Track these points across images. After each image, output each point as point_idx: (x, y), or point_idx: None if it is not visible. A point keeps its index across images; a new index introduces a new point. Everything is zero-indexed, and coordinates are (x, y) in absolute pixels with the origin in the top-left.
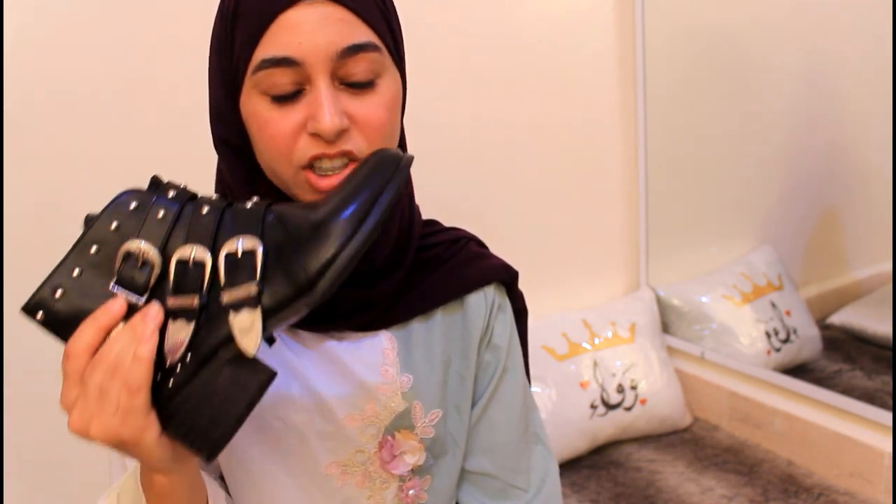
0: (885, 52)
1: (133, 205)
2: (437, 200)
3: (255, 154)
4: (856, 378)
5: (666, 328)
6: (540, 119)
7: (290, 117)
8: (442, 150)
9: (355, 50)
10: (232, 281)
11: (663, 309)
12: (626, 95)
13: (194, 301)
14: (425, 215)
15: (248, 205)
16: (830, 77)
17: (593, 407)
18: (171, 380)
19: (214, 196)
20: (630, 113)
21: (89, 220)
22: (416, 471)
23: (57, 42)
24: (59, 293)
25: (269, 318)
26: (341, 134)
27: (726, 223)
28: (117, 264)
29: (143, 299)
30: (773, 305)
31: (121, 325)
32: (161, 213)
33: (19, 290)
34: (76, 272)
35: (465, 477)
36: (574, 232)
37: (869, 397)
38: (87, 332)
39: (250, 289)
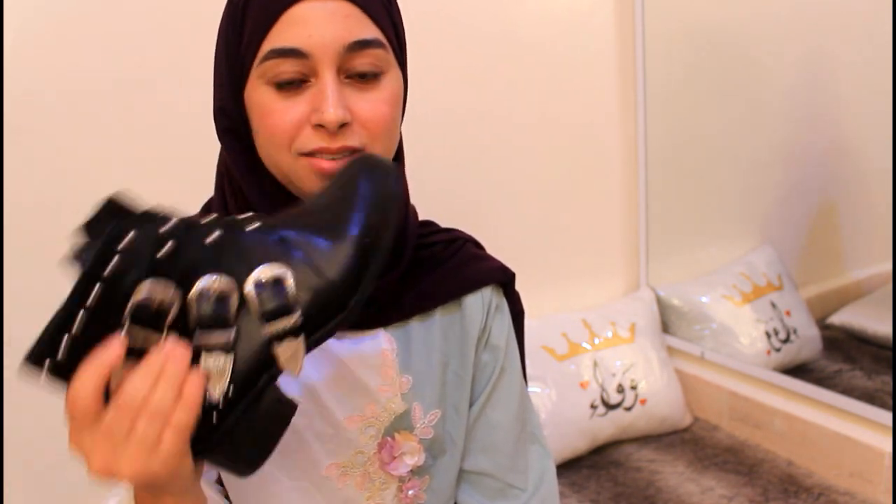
0: (885, 51)
1: (132, 236)
2: (436, 200)
3: (256, 145)
4: (856, 378)
5: (666, 328)
6: (540, 119)
7: (294, 108)
8: (441, 149)
9: (362, 45)
10: (269, 311)
11: (663, 309)
12: (626, 95)
13: (230, 335)
14: (424, 215)
15: (256, 224)
16: (830, 76)
17: (593, 407)
18: (216, 414)
19: (210, 217)
20: (630, 113)
21: (80, 254)
22: (416, 471)
23: (57, 42)
24: (64, 340)
25: (310, 342)
26: (343, 128)
27: (726, 223)
28: (130, 304)
29: (164, 338)
30: (773, 305)
31: (132, 362)
32: (169, 246)
33: (19, 290)
34: (81, 315)
35: (464, 476)
36: (574, 232)
37: (869, 397)
38: (91, 376)
39: (293, 319)
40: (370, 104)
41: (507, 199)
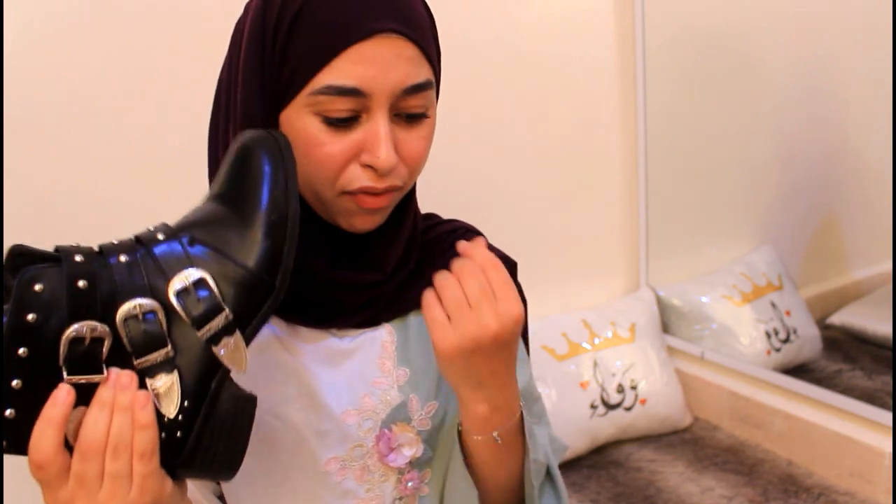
0: (885, 52)
1: (38, 287)
2: (436, 200)
3: None
4: (856, 378)
5: (666, 328)
6: (540, 119)
7: (342, 142)
8: (441, 150)
9: (419, 89)
10: (199, 315)
11: (663, 309)
12: (626, 96)
13: (168, 351)
14: (425, 212)
15: (159, 237)
16: (830, 77)
17: (593, 407)
18: (178, 431)
19: (115, 241)
20: (630, 113)
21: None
22: (415, 463)
23: (57, 42)
24: (9, 413)
25: (248, 333)
26: (392, 169)
27: (726, 223)
28: (62, 354)
29: (106, 374)
30: (773, 305)
31: (82, 408)
32: (82, 283)
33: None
34: (16, 383)
35: None
36: (574, 232)
37: (869, 397)
38: (47, 434)
39: (225, 317)
40: (414, 142)
41: (508, 199)
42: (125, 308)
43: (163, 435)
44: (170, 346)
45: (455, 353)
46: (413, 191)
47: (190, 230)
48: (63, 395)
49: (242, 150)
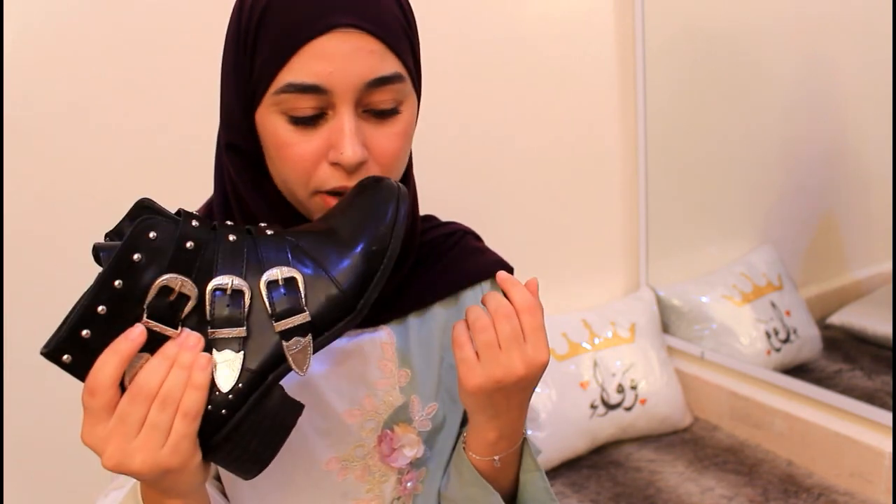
0: (885, 53)
1: (153, 234)
2: (436, 200)
3: (265, 161)
4: (856, 378)
5: (666, 328)
6: (540, 120)
7: (309, 142)
8: (442, 150)
9: (383, 82)
10: (282, 310)
11: (663, 309)
12: (626, 96)
13: (242, 331)
14: (424, 213)
15: (269, 232)
16: (830, 78)
17: (593, 407)
18: (224, 409)
19: (229, 223)
20: (630, 113)
21: (102, 250)
22: (414, 463)
23: (57, 42)
24: (85, 333)
25: (318, 341)
26: (360, 166)
27: (726, 223)
28: (149, 298)
29: (179, 331)
30: (773, 305)
31: (146, 355)
32: (189, 244)
33: (19, 290)
34: (101, 309)
35: None
36: (574, 232)
37: (869, 397)
38: (110, 364)
39: (303, 318)
40: (386, 139)
41: (508, 199)
42: (217, 280)
43: (209, 407)
44: (245, 328)
45: (479, 390)
46: (410, 191)
47: (297, 237)
48: (136, 333)
49: (365, 187)
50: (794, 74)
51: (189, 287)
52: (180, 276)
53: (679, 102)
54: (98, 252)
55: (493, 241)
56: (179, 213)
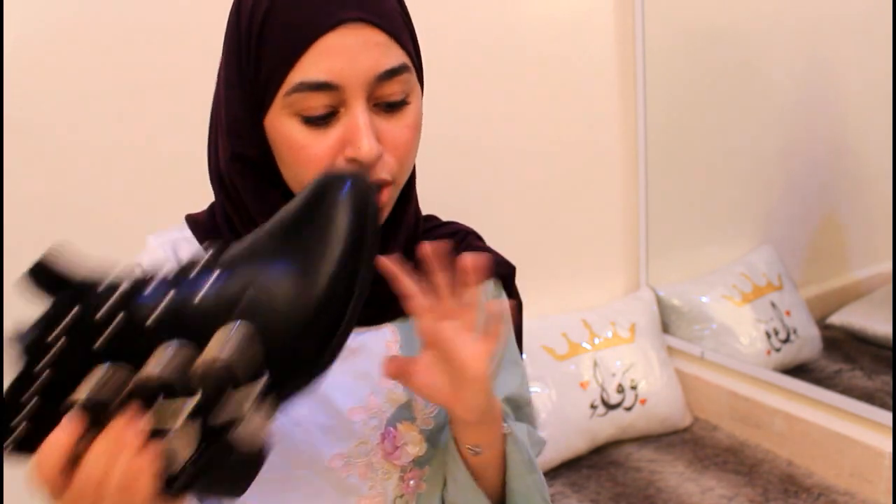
0: (885, 52)
1: (74, 313)
2: (437, 200)
3: (276, 169)
4: (856, 378)
5: (666, 328)
6: (540, 119)
7: (324, 140)
8: (442, 150)
9: (393, 73)
10: (236, 372)
11: (663, 309)
12: (626, 96)
13: (193, 401)
14: (425, 213)
15: (214, 271)
16: (831, 77)
17: (593, 407)
18: (179, 477)
19: (159, 272)
20: (630, 113)
21: (23, 336)
22: (417, 461)
23: (57, 42)
24: (20, 423)
25: (278, 403)
26: (377, 160)
27: (726, 223)
28: (84, 392)
29: (119, 409)
30: (773, 305)
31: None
32: (118, 320)
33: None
34: (33, 402)
35: None
36: (574, 232)
37: (869, 397)
38: (51, 454)
39: (262, 379)
40: (398, 131)
41: (508, 199)
42: (159, 354)
43: (168, 470)
44: (197, 397)
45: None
46: (412, 189)
47: (242, 269)
48: (71, 427)
49: (326, 187)
50: (795, 74)
51: (126, 373)
52: (113, 365)
53: (679, 102)
54: (19, 336)
55: (492, 241)
56: (97, 276)
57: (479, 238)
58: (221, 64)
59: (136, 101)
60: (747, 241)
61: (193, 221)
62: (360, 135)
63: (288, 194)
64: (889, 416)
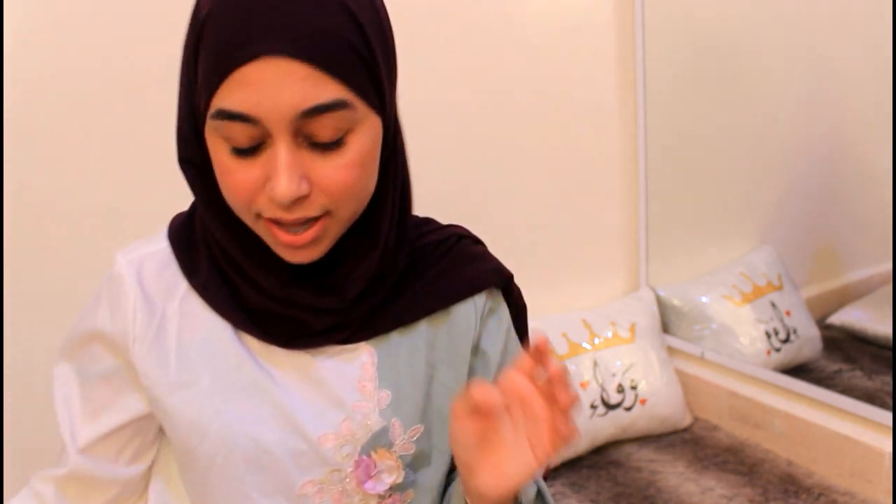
0: (885, 52)
1: None
2: (436, 200)
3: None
4: (856, 378)
5: (666, 328)
6: (540, 119)
7: (248, 171)
8: (441, 150)
9: (319, 111)
10: None
11: (663, 309)
12: (626, 95)
13: None
14: (423, 214)
15: None
16: (831, 77)
17: (593, 407)
18: None
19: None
20: (630, 113)
21: None
22: (397, 487)
23: (57, 42)
24: None
25: None
26: (300, 200)
27: (726, 223)
28: None
29: None
30: (773, 305)
31: None
32: None
33: (19, 290)
34: None
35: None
36: (574, 232)
37: (869, 397)
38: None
39: None
40: (332, 171)
41: (507, 199)
42: None
43: None
44: None
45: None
46: (388, 207)
47: None
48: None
49: None
50: (795, 74)
51: None
52: None
53: (679, 102)
54: None
55: (492, 242)
56: None
57: (476, 241)
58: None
59: (137, 101)
60: (747, 241)
61: (173, 228)
62: (278, 176)
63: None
64: (889, 416)
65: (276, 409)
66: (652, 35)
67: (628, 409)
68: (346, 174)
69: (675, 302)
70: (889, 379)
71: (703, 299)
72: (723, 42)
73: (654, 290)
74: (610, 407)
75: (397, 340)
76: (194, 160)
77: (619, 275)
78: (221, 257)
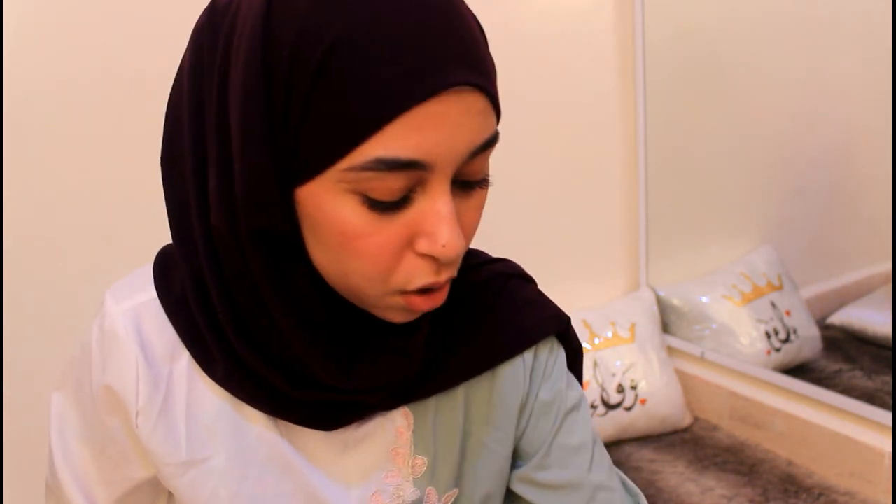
0: (885, 53)
1: None
2: None
3: (304, 249)
4: (856, 378)
5: (666, 328)
6: (540, 119)
7: (390, 229)
8: None
9: (486, 147)
10: None
11: (663, 309)
12: (626, 95)
13: None
14: None
15: None
16: (830, 77)
17: (593, 407)
18: None
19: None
20: (630, 113)
21: None
22: None
23: (57, 42)
24: None
25: None
26: (459, 257)
27: (726, 223)
28: None
29: None
30: (773, 305)
31: None
32: None
33: (19, 290)
34: None
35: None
36: (574, 232)
37: (869, 397)
38: None
39: None
40: (471, 213)
41: (507, 199)
42: None
43: None
44: None
45: None
46: None
47: None
48: None
49: None
50: (795, 74)
51: None
52: None
53: (679, 102)
54: None
55: (492, 242)
56: None
57: (528, 280)
58: (224, 101)
59: (137, 102)
60: (747, 242)
61: (162, 287)
62: (443, 227)
63: (315, 276)
64: (889, 416)
65: (299, 485)
66: (652, 36)
67: (628, 409)
68: (477, 216)
69: (675, 302)
70: (889, 379)
71: (703, 299)
72: (723, 42)
73: (654, 290)
74: (610, 407)
75: (436, 401)
76: (274, 230)
77: (619, 275)
78: (244, 347)
